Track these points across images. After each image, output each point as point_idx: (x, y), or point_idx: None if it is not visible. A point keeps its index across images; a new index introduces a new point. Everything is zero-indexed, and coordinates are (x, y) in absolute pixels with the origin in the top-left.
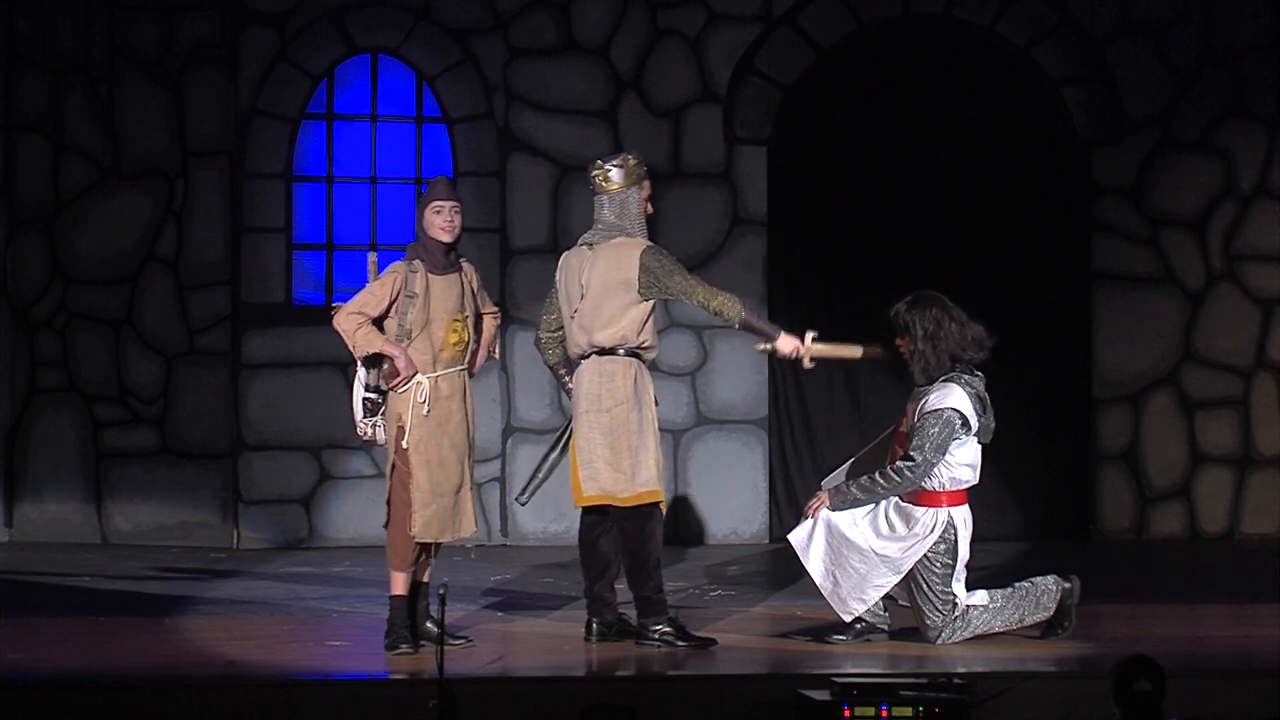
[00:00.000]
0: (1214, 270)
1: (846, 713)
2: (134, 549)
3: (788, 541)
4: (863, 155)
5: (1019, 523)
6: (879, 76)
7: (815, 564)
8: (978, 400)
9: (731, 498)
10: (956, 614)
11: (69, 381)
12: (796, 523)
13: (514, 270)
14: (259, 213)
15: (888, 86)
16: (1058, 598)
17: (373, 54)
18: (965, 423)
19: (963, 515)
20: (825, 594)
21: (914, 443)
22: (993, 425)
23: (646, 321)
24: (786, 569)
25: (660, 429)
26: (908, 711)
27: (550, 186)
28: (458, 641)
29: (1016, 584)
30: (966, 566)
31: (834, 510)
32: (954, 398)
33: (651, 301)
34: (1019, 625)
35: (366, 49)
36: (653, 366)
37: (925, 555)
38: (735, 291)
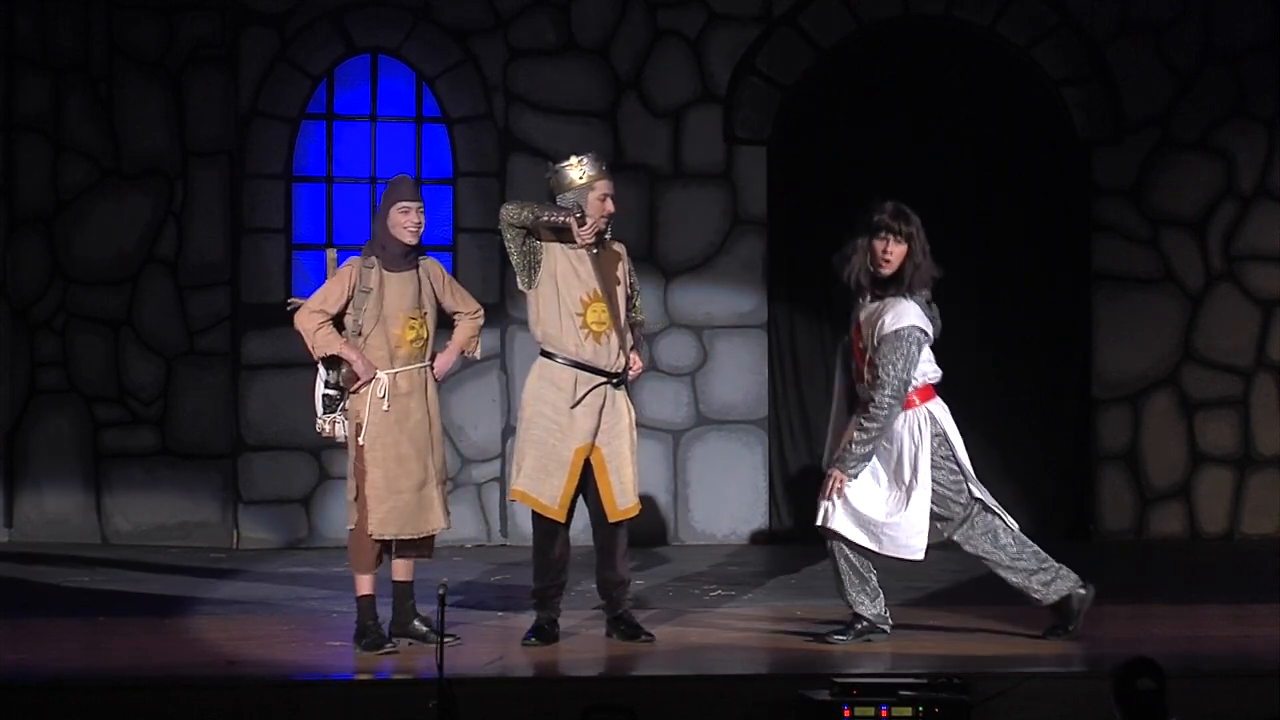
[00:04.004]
0: (1214, 270)
1: (846, 713)
2: (134, 549)
3: (800, 534)
4: (863, 155)
5: (1019, 523)
6: (879, 76)
7: (857, 533)
8: (926, 306)
9: (731, 498)
10: (975, 508)
11: (69, 382)
12: (795, 522)
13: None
14: (259, 213)
15: (888, 86)
16: (1066, 592)
17: (373, 54)
18: (925, 334)
19: (938, 405)
20: (881, 551)
21: (883, 370)
22: (939, 320)
23: None
24: (786, 569)
25: (660, 429)
26: (908, 711)
27: (550, 187)
28: (447, 639)
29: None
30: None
31: (852, 479)
32: (912, 314)
33: None
34: (1018, 587)
35: (366, 49)
36: (653, 367)
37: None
38: (735, 291)
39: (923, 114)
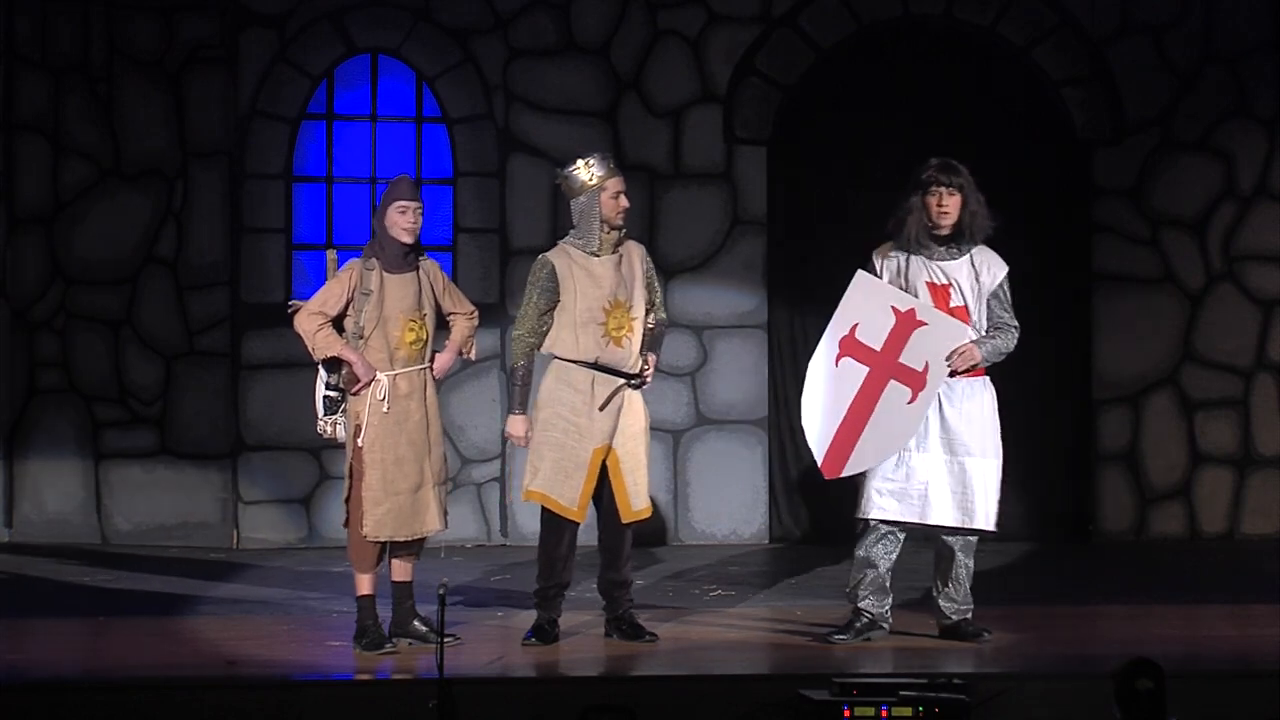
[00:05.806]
0: (1214, 270)
1: (846, 713)
2: (134, 549)
3: (800, 535)
4: (863, 155)
5: (1019, 523)
6: (879, 76)
7: (952, 514)
8: None
9: (731, 498)
10: None
11: (69, 382)
12: (795, 523)
13: (514, 270)
14: (259, 213)
15: (888, 86)
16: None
17: (373, 54)
18: None
19: None
20: (974, 525)
21: (1009, 310)
22: None
23: None
24: (786, 569)
25: (660, 429)
26: (908, 711)
27: (550, 187)
28: (446, 639)
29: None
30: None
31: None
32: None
33: None
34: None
35: (366, 49)
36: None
37: None
38: (735, 291)
39: (923, 114)
